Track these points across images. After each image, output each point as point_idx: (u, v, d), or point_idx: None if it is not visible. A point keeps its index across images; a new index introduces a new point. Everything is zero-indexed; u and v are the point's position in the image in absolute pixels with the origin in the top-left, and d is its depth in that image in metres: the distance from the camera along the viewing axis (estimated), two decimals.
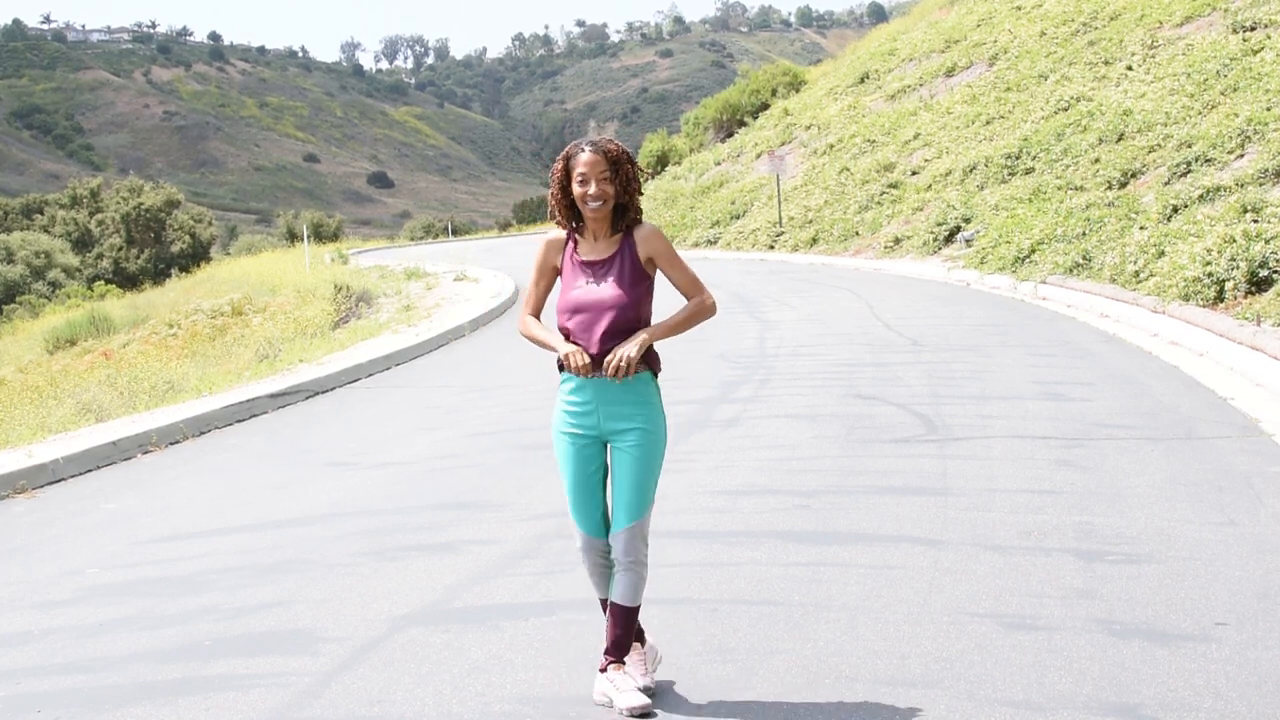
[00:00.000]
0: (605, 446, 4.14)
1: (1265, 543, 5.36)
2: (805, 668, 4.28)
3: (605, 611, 4.19)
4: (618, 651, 4.11)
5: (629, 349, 3.98)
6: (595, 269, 4.08)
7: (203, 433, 10.23)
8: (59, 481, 8.59)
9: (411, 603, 5.28)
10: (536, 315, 4.25)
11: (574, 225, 4.14)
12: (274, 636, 4.99)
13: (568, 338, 4.10)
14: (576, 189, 4.02)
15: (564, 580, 5.45)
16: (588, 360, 4.01)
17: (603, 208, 4.02)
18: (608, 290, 4.04)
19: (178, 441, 9.87)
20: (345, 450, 9.10)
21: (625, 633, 4.12)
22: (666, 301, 4.27)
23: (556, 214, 4.13)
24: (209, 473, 8.73)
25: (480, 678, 4.39)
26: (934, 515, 6.05)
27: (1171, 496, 6.16)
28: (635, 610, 4.11)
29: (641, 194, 4.14)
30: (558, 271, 4.18)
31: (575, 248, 4.14)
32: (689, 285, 4.17)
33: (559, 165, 4.08)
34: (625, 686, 4.03)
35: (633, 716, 3.96)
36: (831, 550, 5.62)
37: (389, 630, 4.95)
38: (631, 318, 4.05)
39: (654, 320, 4.15)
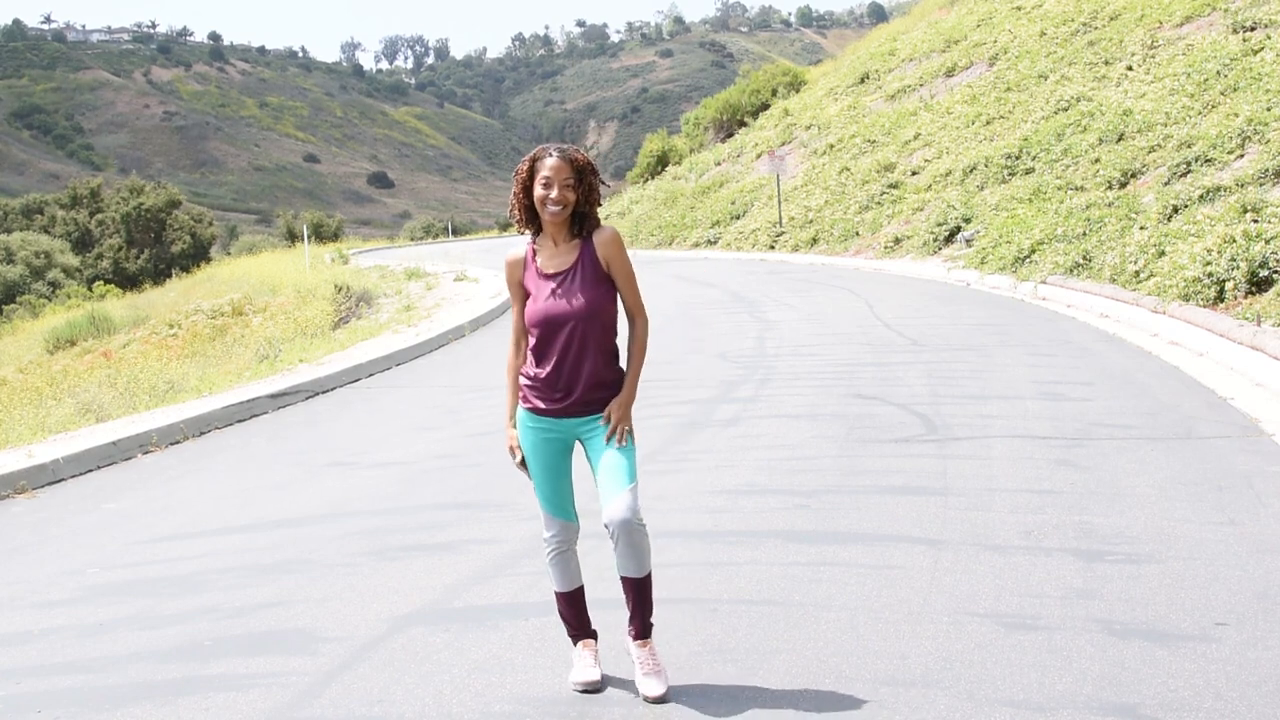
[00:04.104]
0: (573, 444, 4.23)
1: (1265, 543, 5.36)
2: (805, 667, 4.28)
3: (563, 607, 4.30)
4: (637, 623, 4.16)
5: (626, 419, 4.12)
6: (558, 280, 4.11)
7: (203, 433, 10.23)
8: (59, 481, 8.59)
9: (411, 602, 5.28)
10: (520, 340, 4.28)
11: (533, 229, 4.16)
12: (274, 636, 4.99)
13: (536, 349, 4.14)
14: (539, 191, 4.05)
15: None
16: (518, 460, 4.23)
17: (561, 213, 4.05)
18: (575, 301, 4.07)
19: (178, 441, 9.87)
20: (345, 450, 9.10)
21: (644, 606, 4.15)
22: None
23: (515, 213, 4.15)
24: (209, 473, 8.73)
25: (480, 677, 4.39)
26: (934, 515, 6.05)
27: (1171, 496, 6.16)
28: (649, 579, 4.15)
29: (600, 205, 4.18)
30: (523, 287, 4.20)
31: (535, 259, 4.16)
32: (635, 304, 4.22)
33: (524, 166, 4.10)
34: (647, 669, 4.10)
35: (651, 703, 4.03)
36: (831, 550, 5.62)
37: (389, 630, 4.95)
38: (597, 327, 4.09)
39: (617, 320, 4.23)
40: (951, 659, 4.27)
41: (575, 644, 4.33)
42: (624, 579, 4.14)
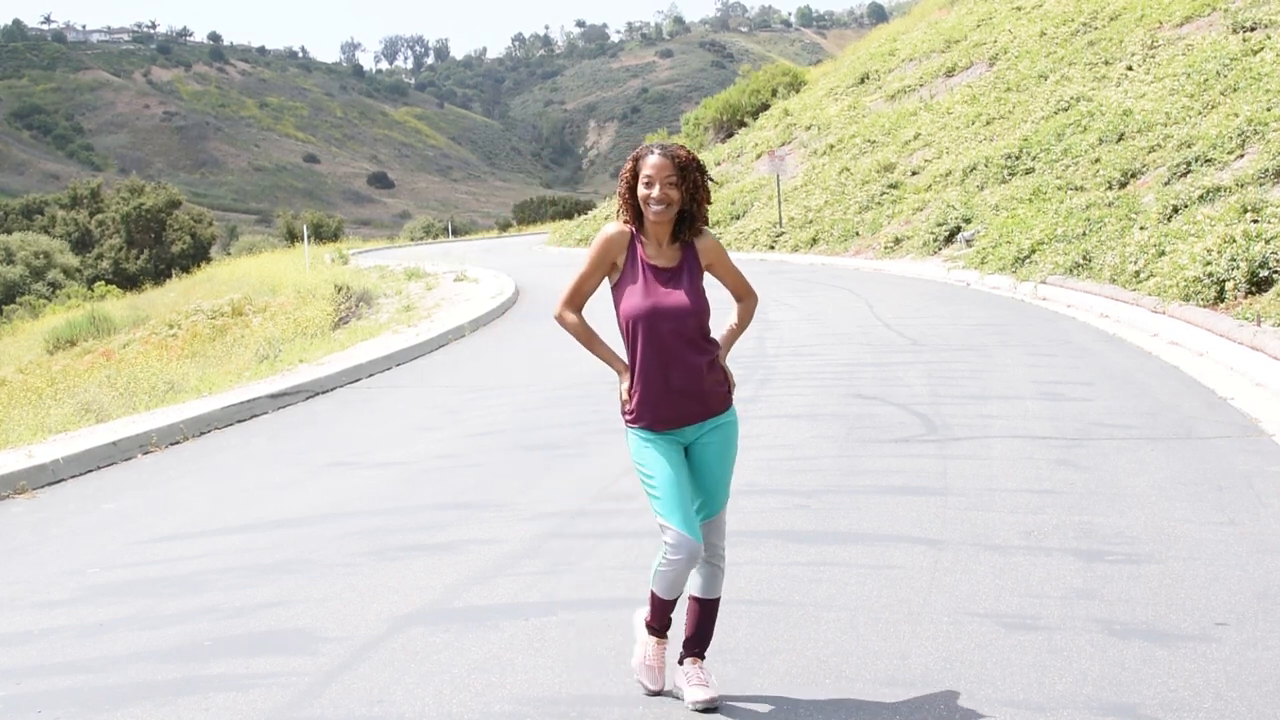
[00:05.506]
0: (685, 449, 4.14)
1: (1265, 543, 5.36)
2: (806, 667, 4.28)
3: (656, 607, 4.10)
4: (699, 645, 4.13)
5: (731, 379, 4.22)
6: (666, 275, 4.05)
7: (203, 433, 10.23)
8: (59, 481, 8.59)
9: (411, 602, 5.28)
10: (579, 311, 4.18)
11: (637, 227, 4.10)
12: (274, 636, 4.99)
13: (633, 342, 4.05)
14: (642, 191, 4.00)
15: (564, 580, 5.45)
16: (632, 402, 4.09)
17: (665, 212, 3.99)
18: (683, 298, 4.02)
19: (178, 441, 9.87)
20: (345, 450, 9.10)
21: (706, 626, 4.13)
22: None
23: (623, 213, 4.11)
24: (209, 473, 8.73)
25: (480, 678, 4.39)
26: (934, 515, 6.05)
27: (1171, 496, 6.16)
28: (716, 602, 4.14)
29: (710, 203, 4.11)
30: (615, 268, 4.11)
31: (642, 248, 4.08)
32: (743, 289, 4.26)
33: (628, 166, 4.07)
34: (696, 680, 4.05)
35: (699, 710, 3.99)
36: (831, 550, 5.62)
37: (389, 630, 4.95)
38: (705, 325, 4.08)
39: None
40: (951, 659, 4.27)
41: (649, 635, 4.19)
42: (694, 599, 4.12)
